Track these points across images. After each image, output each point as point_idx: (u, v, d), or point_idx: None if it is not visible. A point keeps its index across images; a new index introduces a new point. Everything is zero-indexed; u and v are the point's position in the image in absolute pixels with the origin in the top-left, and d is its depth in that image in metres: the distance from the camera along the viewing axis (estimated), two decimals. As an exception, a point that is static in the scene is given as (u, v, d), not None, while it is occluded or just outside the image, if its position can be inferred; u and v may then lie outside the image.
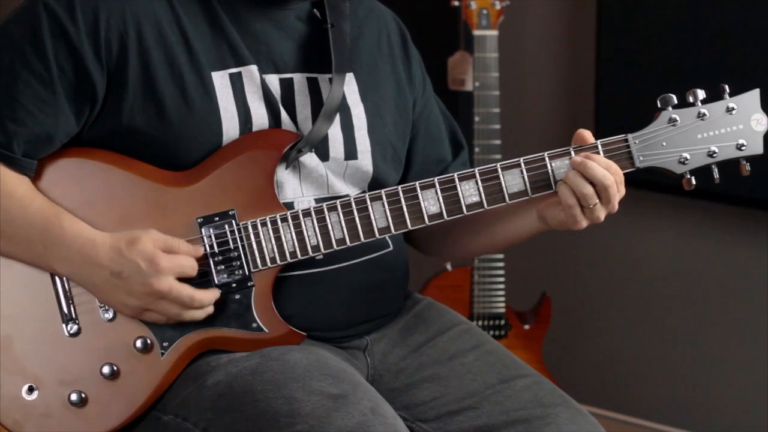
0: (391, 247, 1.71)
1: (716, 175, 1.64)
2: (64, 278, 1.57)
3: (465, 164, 1.85)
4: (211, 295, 1.56)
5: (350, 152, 1.67)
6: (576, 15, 2.92)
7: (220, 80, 1.59)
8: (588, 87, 2.85)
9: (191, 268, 1.54)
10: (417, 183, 1.59)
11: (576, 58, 2.94)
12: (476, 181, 1.59)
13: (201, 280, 1.56)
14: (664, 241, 2.85)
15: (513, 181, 1.59)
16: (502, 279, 2.67)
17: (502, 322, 2.68)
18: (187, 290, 1.53)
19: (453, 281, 2.67)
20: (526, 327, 2.72)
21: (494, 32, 2.60)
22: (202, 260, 1.56)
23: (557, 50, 2.97)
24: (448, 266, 2.70)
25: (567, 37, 2.96)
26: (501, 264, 2.66)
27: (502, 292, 2.67)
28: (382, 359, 1.71)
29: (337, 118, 1.66)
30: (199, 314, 1.55)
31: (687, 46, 2.63)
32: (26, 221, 1.54)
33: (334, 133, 1.66)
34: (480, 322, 2.66)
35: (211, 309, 1.56)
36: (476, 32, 2.59)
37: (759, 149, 1.63)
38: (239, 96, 1.59)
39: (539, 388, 1.67)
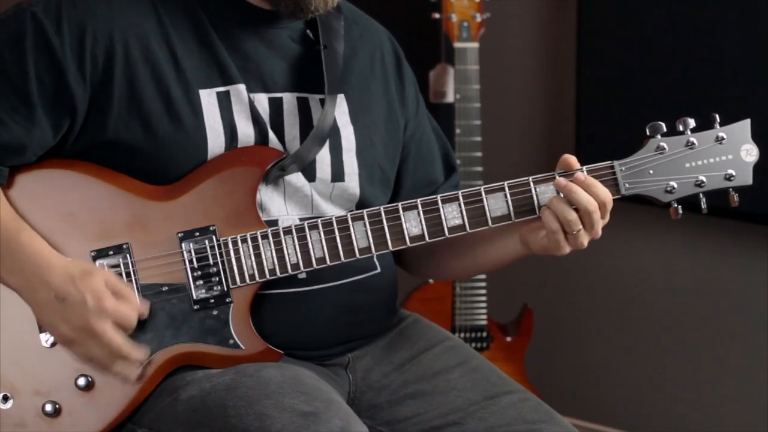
0: (379, 269, 1.71)
1: (704, 205, 1.63)
2: None
3: (456, 186, 1.84)
4: (141, 353, 1.54)
5: (337, 174, 1.67)
6: (557, 27, 2.94)
7: (207, 98, 1.58)
8: (569, 99, 2.87)
9: (130, 319, 1.53)
10: (399, 204, 1.59)
11: (557, 71, 2.95)
12: (459, 204, 1.58)
13: (177, 295, 1.56)
14: (646, 252, 2.86)
15: (496, 204, 1.59)
16: (483, 291, 2.67)
17: (484, 334, 2.69)
18: (119, 339, 1.52)
19: (435, 293, 2.67)
20: (508, 339, 2.73)
21: (475, 45, 2.61)
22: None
23: (538, 62, 2.99)
24: (430, 279, 2.70)
25: (547, 49, 2.97)
26: (483, 276, 2.67)
27: (483, 304, 2.68)
28: (365, 376, 1.71)
29: None
30: (121, 369, 1.53)
31: (667, 63, 2.64)
32: None
33: (322, 154, 1.65)
34: (462, 335, 2.67)
35: (135, 374, 1.54)
36: (457, 45, 2.61)
37: (748, 180, 1.62)
38: (226, 114, 1.59)
39: (524, 404, 1.66)
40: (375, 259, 1.68)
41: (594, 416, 2.99)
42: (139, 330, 1.56)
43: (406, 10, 2.82)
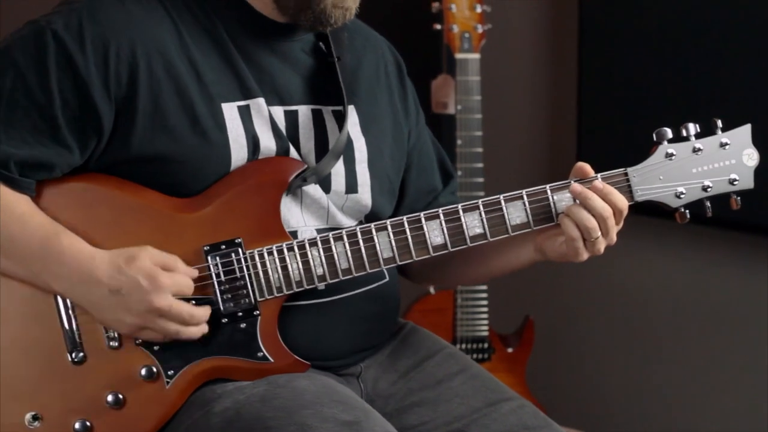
0: (387, 279, 1.72)
1: (709, 209, 1.66)
2: (69, 305, 1.55)
3: (455, 192, 1.87)
4: (205, 312, 1.55)
5: (351, 186, 1.68)
6: (558, 38, 2.95)
7: (230, 112, 1.58)
8: (570, 110, 2.87)
9: (188, 287, 1.54)
10: (422, 214, 1.60)
11: (558, 82, 2.95)
12: (480, 213, 1.60)
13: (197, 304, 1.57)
14: (647, 264, 2.86)
15: (516, 213, 1.60)
16: (485, 302, 2.67)
17: (486, 345, 2.68)
18: (186, 307, 1.53)
19: (436, 305, 2.67)
20: (510, 350, 2.73)
21: (476, 55, 2.61)
22: (197, 282, 1.56)
23: (539, 73, 2.99)
24: (432, 290, 2.70)
25: (549, 60, 2.98)
26: (484, 287, 2.67)
27: (485, 316, 2.67)
28: (374, 385, 1.72)
29: None
30: (196, 331, 1.55)
31: (669, 71, 2.65)
32: (25, 238, 1.53)
33: (337, 166, 1.66)
34: (463, 346, 2.66)
35: (206, 327, 1.56)
36: (458, 55, 2.61)
37: (750, 184, 1.66)
38: (249, 127, 1.59)
39: (523, 411, 1.69)
40: (384, 269, 1.69)
41: (595, 427, 2.99)
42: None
43: (407, 21, 2.82)
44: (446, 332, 2.65)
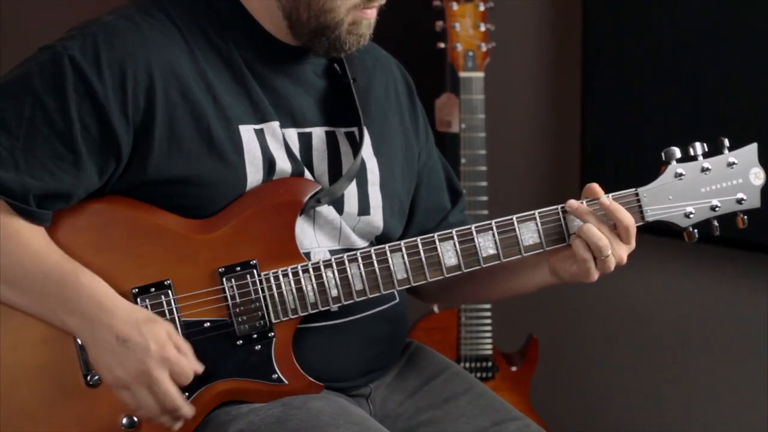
0: (398, 300, 1.73)
1: (716, 229, 1.67)
2: None
3: (463, 210, 1.88)
4: (189, 410, 1.54)
5: (364, 208, 1.68)
6: (562, 56, 2.95)
7: (247, 134, 1.59)
8: (574, 128, 2.87)
9: (188, 374, 1.53)
10: (436, 235, 1.60)
11: (562, 100, 2.96)
12: (493, 234, 1.61)
13: (220, 331, 1.57)
14: (651, 282, 2.85)
15: (528, 233, 1.61)
16: (489, 321, 2.66)
17: (489, 363, 2.68)
18: (174, 390, 1.52)
19: (440, 323, 2.66)
20: (514, 369, 2.72)
21: (480, 74, 2.61)
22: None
23: (543, 92, 2.99)
24: (435, 308, 2.70)
25: (552, 78, 2.98)
26: (488, 306, 2.66)
27: (489, 334, 2.67)
28: (383, 405, 1.73)
29: None
30: (168, 423, 1.54)
31: (674, 89, 2.66)
32: (41, 275, 1.52)
33: (350, 188, 1.67)
34: (467, 364, 2.66)
35: (178, 426, 1.55)
36: (462, 74, 2.60)
37: (757, 203, 1.67)
38: (265, 150, 1.59)
39: (529, 430, 1.69)
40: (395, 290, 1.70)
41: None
42: None
43: (411, 40, 2.81)
44: (450, 351, 2.65)
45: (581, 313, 2.99)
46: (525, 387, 2.71)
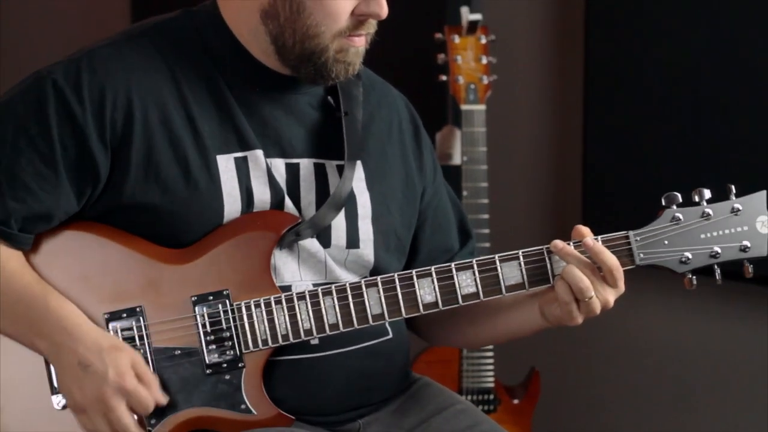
0: (391, 335, 1.70)
1: (719, 276, 1.63)
2: None
3: (472, 253, 1.84)
4: None
5: (352, 241, 1.67)
6: (564, 90, 2.95)
7: (225, 164, 1.59)
8: (576, 162, 2.88)
9: (147, 405, 1.53)
10: (414, 271, 1.59)
11: (564, 134, 2.96)
12: (473, 272, 1.59)
13: (189, 359, 1.56)
14: (654, 315, 2.85)
15: (510, 273, 1.59)
16: (491, 353, 2.66)
17: (492, 396, 2.67)
18: (128, 420, 1.53)
19: (442, 356, 2.66)
20: (516, 402, 2.71)
21: (482, 107, 2.61)
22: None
23: (545, 125, 3.00)
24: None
25: (554, 111, 2.98)
26: (490, 338, 2.67)
27: (491, 367, 2.66)
28: (374, 442, 1.70)
29: None
30: None
31: (679, 126, 2.65)
32: (12, 297, 1.55)
33: (338, 221, 1.65)
34: (469, 397, 2.65)
35: None
36: (464, 107, 2.61)
37: (763, 252, 1.62)
38: (243, 180, 1.59)
39: None
40: (387, 325, 1.68)
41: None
42: None
43: (413, 72, 2.83)
44: (452, 383, 2.63)
45: (584, 347, 2.97)
46: (527, 420, 2.70)
